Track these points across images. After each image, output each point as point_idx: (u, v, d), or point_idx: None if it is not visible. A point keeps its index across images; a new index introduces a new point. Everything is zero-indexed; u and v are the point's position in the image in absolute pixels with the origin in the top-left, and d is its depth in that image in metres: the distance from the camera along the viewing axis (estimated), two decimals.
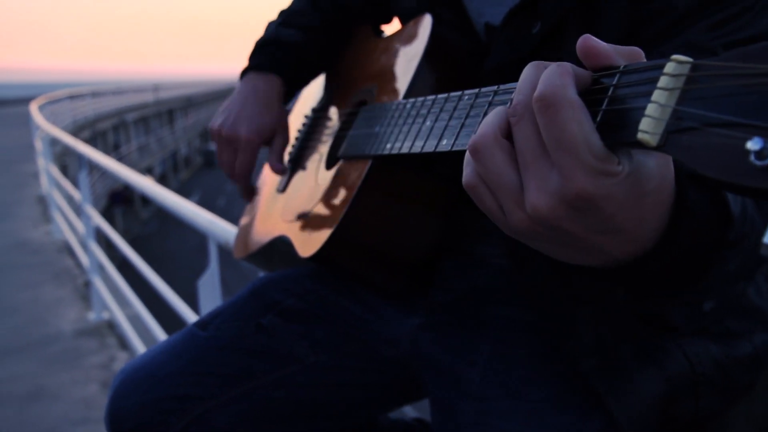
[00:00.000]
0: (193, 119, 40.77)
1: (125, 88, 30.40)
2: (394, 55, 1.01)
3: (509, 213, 0.53)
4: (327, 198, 0.98)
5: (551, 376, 0.85)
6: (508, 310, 0.91)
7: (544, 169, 0.49)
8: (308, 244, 0.95)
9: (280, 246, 1.11)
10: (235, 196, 28.20)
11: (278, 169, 1.16)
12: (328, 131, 1.14)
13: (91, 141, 18.62)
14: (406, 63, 0.94)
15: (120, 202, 20.34)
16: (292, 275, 1.07)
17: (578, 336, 0.80)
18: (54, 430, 3.20)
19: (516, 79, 0.67)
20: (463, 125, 0.68)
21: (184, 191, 27.12)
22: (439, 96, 0.76)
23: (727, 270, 0.59)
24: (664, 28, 0.73)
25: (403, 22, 1.06)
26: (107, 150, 21.14)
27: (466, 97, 0.70)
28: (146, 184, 3.00)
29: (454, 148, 0.68)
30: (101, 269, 4.49)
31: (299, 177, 1.16)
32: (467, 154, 0.54)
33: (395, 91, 0.94)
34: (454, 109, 0.71)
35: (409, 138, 0.79)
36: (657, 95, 0.44)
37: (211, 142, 1.16)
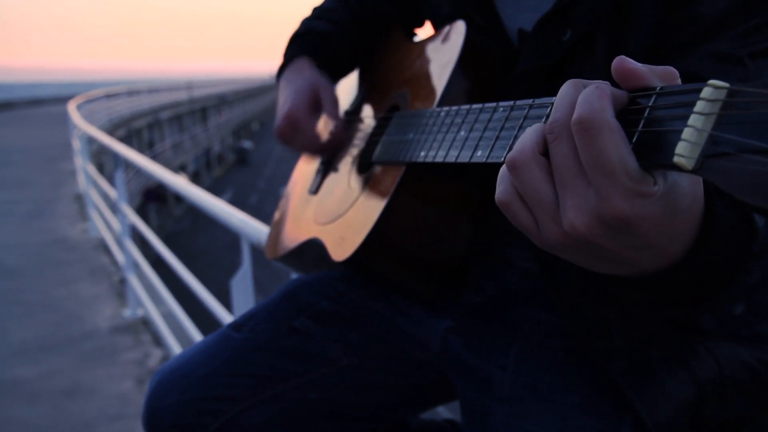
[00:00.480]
0: (226, 117, 41.29)
1: (160, 87, 30.92)
2: (427, 60, 1.01)
3: (545, 228, 0.54)
4: (360, 202, 0.99)
5: (581, 380, 0.85)
6: (537, 313, 0.91)
7: (581, 188, 0.50)
8: (342, 248, 0.96)
9: (313, 248, 1.11)
10: (267, 193, 28.50)
11: (335, 119, 1.14)
12: (360, 134, 1.14)
13: (127, 139, 18.98)
14: (440, 69, 0.94)
15: (154, 200, 20.68)
16: (324, 278, 1.08)
17: (607, 339, 0.80)
18: (90, 426, 3.27)
19: (545, 86, 0.66)
20: (498, 137, 0.68)
21: (216, 188, 27.49)
22: (474, 106, 0.77)
23: (750, 280, 0.61)
24: (691, 37, 0.73)
25: (435, 26, 1.06)
26: (142, 148, 21.52)
27: (501, 109, 0.71)
28: (181, 183, 3.04)
29: (489, 160, 0.69)
30: (136, 267, 4.58)
31: (331, 179, 1.17)
32: (503, 169, 0.55)
33: (429, 98, 0.94)
34: (489, 120, 0.72)
35: (443, 147, 0.79)
36: (693, 119, 0.45)
37: (276, 138, 1.13)
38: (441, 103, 0.89)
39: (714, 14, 0.72)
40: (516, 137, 0.66)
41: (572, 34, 0.79)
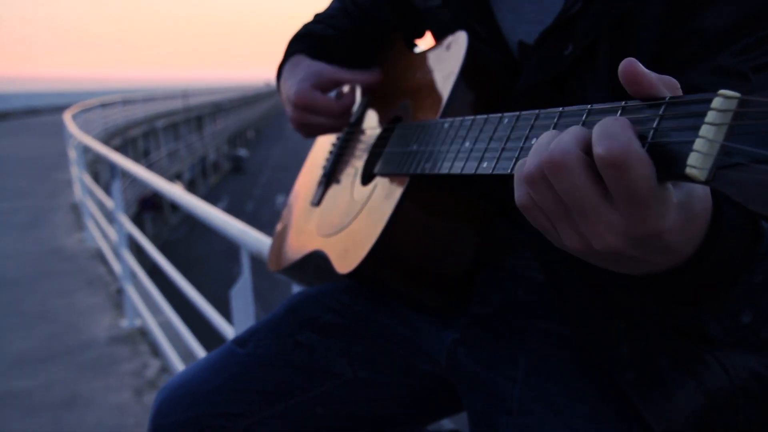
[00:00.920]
0: (221, 125, 41.26)
1: (155, 95, 30.88)
2: (429, 71, 1.01)
3: (565, 236, 0.55)
4: (364, 214, 0.98)
5: (590, 391, 0.84)
6: (545, 323, 0.91)
7: (605, 214, 0.51)
8: (346, 260, 0.95)
9: (316, 260, 1.11)
10: (262, 201, 28.47)
11: (364, 78, 1.13)
12: (362, 146, 1.14)
13: (122, 148, 18.95)
14: (443, 80, 0.94)
15: (149, 208, 20.63)
16: (328, 290, 1.07)
17: (614, 349, 0.80)
18: None
19: (548, 99, 0.66)
20: (503, 148, 0.68)
21: (212, 196, 27.44)
22: (479, 117, 0.76)
23: (755, 281, 0.61)
24: (694, 52, 0.73)
25: (436, 36, 1.06)
26: (137, 157, 21.48)
27: (506, 119, 0.70)
28: (179, 193, 3.03)
29: (495, 172, 0.68)
30: (133, 276, 4.56)
31: (333, 191, 1.16)
32: (541, 172, 0.54)
33: (431, 109, 0.93)
34: (494, 131, 0.71)
35: (448, 159, 0.79)
36: (705, 130, 0.44)
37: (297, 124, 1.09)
38: (444, 114, 0.89)
39: (716, 29, 0.72)
40: (522, 148, 0.65)
41: (574, 48, 0.78)
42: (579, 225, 0.53)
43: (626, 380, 0.79)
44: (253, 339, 1.01)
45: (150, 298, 4.22)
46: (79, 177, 7.90)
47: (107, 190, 6.05)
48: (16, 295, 5.47)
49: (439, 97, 0.93)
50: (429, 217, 0.91)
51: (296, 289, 1.69)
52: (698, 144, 0.44)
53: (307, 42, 1.16)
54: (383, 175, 0.97)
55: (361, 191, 1.03)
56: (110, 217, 5.62)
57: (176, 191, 3.16)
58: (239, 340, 1.02)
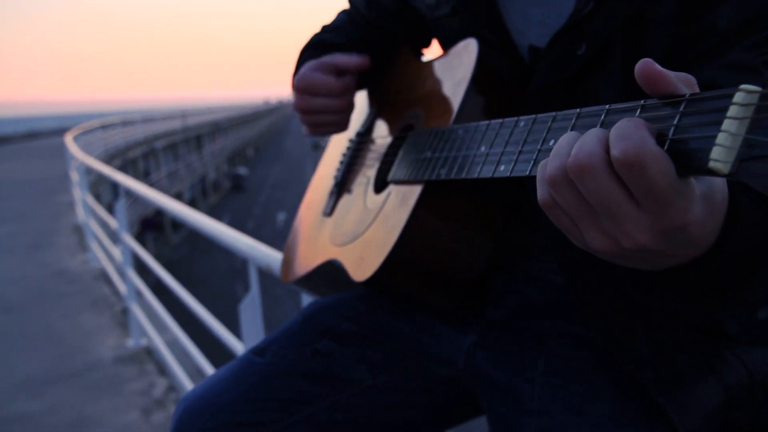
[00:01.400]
0: (220, 144, 41.36)
1: (154, 116, 30.99)
2: (440, 79, 1.02)
3: (589, 237, 0.55)
4: (379, 222, 0.99)
5: (611, 390, 0.84)
6: (563, 325, 0.91)
7: (633, 212, 0.52)
8: (362, 268, 0.96)
9: (330, 270, 1.11)
10: (263, 219, 28.44)
11: (357, 62, 1.13)
12: (373, 155, 1.15)
13: (122, 169, 18.97)
14: (454, 88, 0.95)
15: (151, 228, 20.63)
16: (344, 299, 1.08)
17: (634, 348, 0.81)
18: None
19: (562, 101, 0.66)
20: (521, 151, 0.69)
21: (213, 215, 27.24)
22: (494, 121, 0.77)
23: None
24: (707, 49, 0.74)
25: (444, 45, 1.07)
26: (138, 177, 21.50)
27: (522, 123, 0.71)
28: (185, 210, 3.04)
29: (513, 174, 0.69)
30: (138, 296, 4.56)
31: (346, 200, 1.17)
32: (564, 174, 0.54)
33: (444, 116, 0.94)
34: (510, 135, 0.72)
35: (465, 163, 0.80)
36: (727, 124, 0.45)
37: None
38: (457, 121, 0.89)
39: (728, 26, 0.73)
40: (540, 150, 0.66)
41: (587, 49, 0.79)
42: (606, 225, 0.54)
43: (647, 378, 0.80)
44: (272, 348, 1.02)
45: (155, 316, 4.21)
46: (82, 198, 7.92)
47: (110, 210, 6.07)
48: (22, 318, 5.47)
49: (451, 104, 0.94)
50: (444, 223, 0.92)
51: (306, 300, 1.70)
52: (721, 138, 0.45)
53: (317, 50, 1.18)
54: (397, 182, 0.98)
55: (374, 199, 1.04)
56: (113, 238, 5.63)
57: (181, 208, 3.17)
58: (257, 350, 1.03)
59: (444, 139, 0.88)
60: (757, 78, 0.71)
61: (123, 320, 5.17)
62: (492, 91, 0.92)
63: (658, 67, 0.51)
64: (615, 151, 0.49)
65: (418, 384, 1.01)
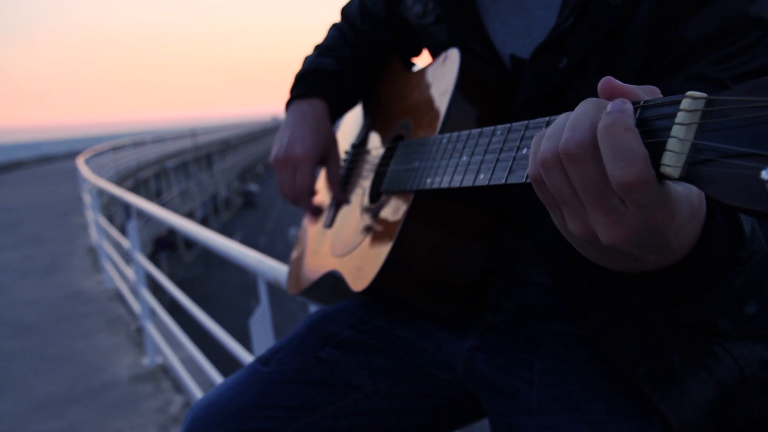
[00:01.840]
0: (230, 162, 41.58)
1: (164, 136, 31.23)
2: (426, 89, 1.04)
3: (571, 222, 0.57)
4: (374, 232, 1.02)
5: (607, 387, 0.86)
6: (558, 326, 0.93)
7: (615, 207, 0.53)
8: (360, 278, 0.99)
9: (332, 280, 1.15)
10: (275, 234, 28.53)
11: (339, 197, 1.20)
12: (368, 166, 1.18)
13: (134, 190, 19.14)
14: (439, 97, 0.97)
15: (164, 248, 20.78)
16: (345, 307, 1.11)
17: (626, 347, 0.82)
18: None
19: (545, 111, 0.69)
20: (498, 160, 0.72)
21: (225, 232, 27.44)
22: (473, 131, 0.80)
23: (736, 284, 0.64)
24: (676, 60, 0.77)
25: (432, 53, 1.09)
26: (150, 197, 21.68)
27: (499, 132, 0.74)
28: (196, 229, 3.09)
29: (491, 182, 0.72)
30: (153, 315, 4.61)
31: (344, 212, 1.21)
32: (555, 157, 0.55)
33: (430, 126, 0.97)
34: (488, 144, 0.75)
35: (448, 173, 0.83)
36: (676, 130, 0.47)
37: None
38: (443, 130, 0.92)
39: (696, 38, 0.75)
40: (515, 158, 0.69)
41: (568, 62, 0.82)
42: (586, 213, 0.55)
43: (640, 375, 0.82)
44: (277, 357, 1.05)
45: (170, 334, 4.26)
46: (95, 220, 8.00)
47: (122, 231, 6.14)
48: (39, 339, 5.53)
49: (437, 113, 0.96)
50: (436, 231, 0.94)
51: (314, 308, 1.73)
52: (671, 144, 0.47)
53: (317, 80, 1.22)
54: (389, 192, 1.02)
55: (369, 210, 1.07)
56: (127, 258, 5.69)
57: (192, 227, 3.22)
58: (263, 359, 1.06)
59: (429, 149, 0.91)
60: (721, 91, 0.74)
61: (138, 339, 5.22)
62: (476, 99, 0.94)
63: (617, 82, 0.53)
64: (617, 173, 0.50)
65: (420, 388, 1.03)
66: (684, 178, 0.47)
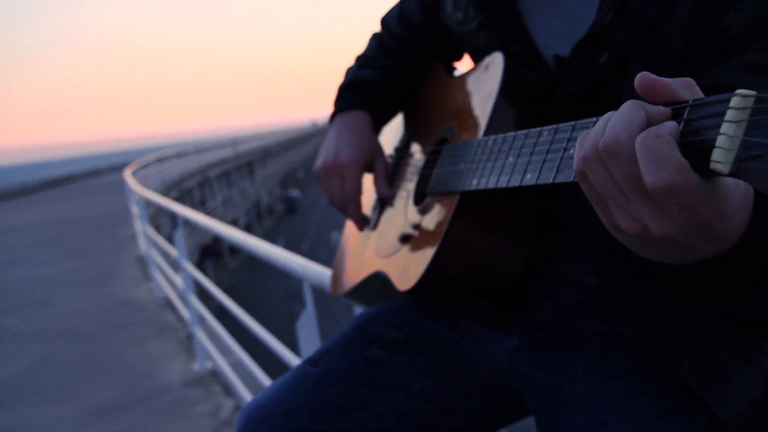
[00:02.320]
0: (271, 168, 42.14)
1: (206, 146, 31.84)
2: (469, 93, 1.06)
3: (620, 218, 0.57)
4: (420, 233, 1.04)
5: (651, 384, 0.86)
6: (600, 324, 0.93)
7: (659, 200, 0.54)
8: (405, 278, 1.00)
9: (377, 281, 1.16)
10: (317, 239, 28.77)
11: (386, 194, 1.21)
12: (411, 169, 1.20)
13: (179, 199, 19.56)
14: (483, 101, 0.99)
15: (210, 255, 21.18)
16: (390, 308, 1.12)
17: (672, 342, 0.82)
18: None
19: (586, 108, 0.69)
20: (545, 160, 0.73)
21: (269, 238, 27.83)
22: (519, 132, 0.82)
23: None
24: (720, 50, 0.76)
25: (474, 58, 1.11)
26: (194, 206, 22.12)
27: (546, 133, 0.75)
28: (240, 236, 3.15)
29: (539, 182, 0.73)
30: (201, 321, 4.70)
31: (388, 214, 1.22)
32: (596, 154, 0.57)
33: (474, 129, 0.98)
34: (535, 145, 0.76)
35: (494, 174, 0.84)
36: (725, 127, 0.48)
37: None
38: (487, 133, 0.93)
39: (740, 27, 0.75)
40: (563, 158, 0.70)
41: (608, 57, 0.82)
42: (631, 207, 0.56)
43: (686, 369, 0.81)
44: (325, 358, 1.07)
45: (219, 340, 4.33)
46: (143, 230, 8.21)
47: (170, 240, 6.28)
48: (92, 348, 5.70)
49: (481, 117, 0.98)
50: (480, 232, 0.95)
51: (358, 311, 1.75)
52: (720, 141, 0.48)
53: (359, 92, 1.24)
54: (434, 194, 1.03)
55: (414, 212, 1.09)
56: (175, 266, 5.82)
57: (236, 234, 3.28)
58: (311, 360, 1.08)
59: (475, 151, 0.92)
60: None
61: (188, 345, 5.33)
62: (520, 101, 0.96)
63: (654, 77, 0.54)
64: (650, 179, 0.51)
65: (464, 388, 1.04)
66: (733, 174, 0.48)
